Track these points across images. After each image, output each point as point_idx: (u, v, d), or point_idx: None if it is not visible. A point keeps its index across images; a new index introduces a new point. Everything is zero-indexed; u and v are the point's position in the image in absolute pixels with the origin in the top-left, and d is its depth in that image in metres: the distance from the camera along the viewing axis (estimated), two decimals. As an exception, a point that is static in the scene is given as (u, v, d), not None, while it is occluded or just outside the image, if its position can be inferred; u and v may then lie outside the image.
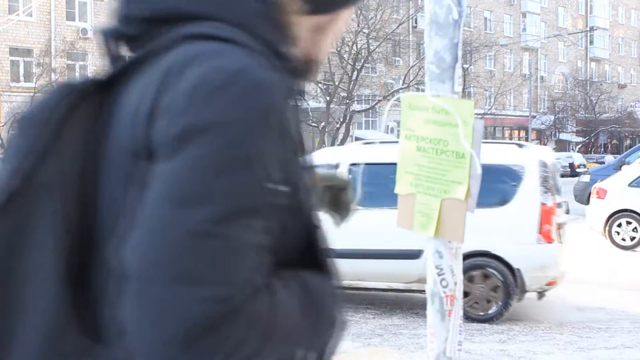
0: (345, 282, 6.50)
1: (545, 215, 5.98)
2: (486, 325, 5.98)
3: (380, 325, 6.05)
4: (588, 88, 50.38)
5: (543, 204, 5.99)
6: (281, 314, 0.78)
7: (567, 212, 6.86)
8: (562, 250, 6.25)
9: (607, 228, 10.75)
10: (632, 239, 10.67)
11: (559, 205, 6.34)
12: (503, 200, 6.05)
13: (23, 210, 0.79)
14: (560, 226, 6.21)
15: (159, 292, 0.70)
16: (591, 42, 56.43)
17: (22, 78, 28.53)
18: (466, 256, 6.06)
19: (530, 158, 6.23)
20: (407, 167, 1.45)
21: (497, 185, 6.14)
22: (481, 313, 6.10)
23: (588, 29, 54.63)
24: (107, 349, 0.78)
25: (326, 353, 0.90)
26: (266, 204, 0.76)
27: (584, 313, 6.55)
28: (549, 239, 5.99)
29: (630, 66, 59.84)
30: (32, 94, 25.96)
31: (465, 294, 5.97)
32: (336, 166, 6.57)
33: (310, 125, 32.14)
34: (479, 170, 1.35)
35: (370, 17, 30.10)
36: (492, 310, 6.07)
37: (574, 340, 5.54)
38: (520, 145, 6.56)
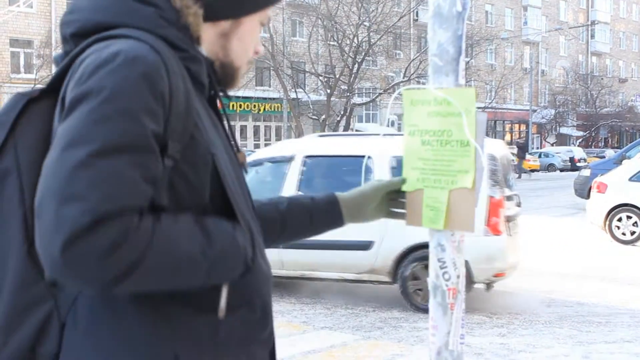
0: (298, 272, 6.70)
1: (493, 208, 6.05)
2: (486, 319, 6.00)
3: (380, 318, 6.05)
4: (589, 82, 50.24)
5: (491, 197, 6.05)
6: (163, 234, 0.96)
7: (519, 205, 6.92)
8: (510, 243, 6.31)
9: (607, 222, 10.75)
10: (632, 233, 10.66)
11: (508, 198, 6.39)
12: None
13: None
14: (509, 219, 6.28)
15: (48, 213, 0.91)
16: (592, 36, 56.25)
17: (22, 69, 28.44)
18: (415, 248, 6.12)
19: None
20: (413, 163, 1.44)
21: None
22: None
23: (589, 22, 54.48)
24: (60, 289, 1.01)
25: (244, 291, 1.08)
26: (140, 145, 0.96)
27: (584, 307, 6.53)
28: (496, 231, 6.07)
29: (632, 60, 59.67)
30: (32, 86, 25.94)
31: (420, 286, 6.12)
32: (291, 158, 6.64)
33: (311, 117, 32.09)
34: (484, 163, 1.35)
35: (371, 10, 29.97)
36: None
37: (574, 334, 5.54)
38: None
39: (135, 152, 0.95)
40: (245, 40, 1.17)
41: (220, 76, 1.17)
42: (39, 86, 1.10)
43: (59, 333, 1.00)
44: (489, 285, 6.43)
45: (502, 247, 6.13)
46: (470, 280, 6.12)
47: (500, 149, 6.78)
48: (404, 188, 1.44)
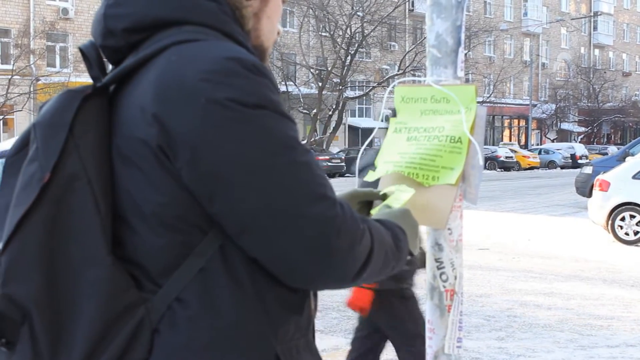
0: None
1: None
2: (484, 322, 5.87)
3: (371, 322, 5.90)
4: (591, 76, 50.31)
5: None
6: (373, 223, 1.09)
7: None
8: None
9: (609, 222, 10.63)
10: (636, 233, 10.57)
11: None
12: None
13: (57, 199, 0.97)
14: None
15: (297, 217, 0.98)
16: (595, 28, 56.15)
17: (-1, 60, 28.12)
18: None
19: None
20: (388, 157, 1.41)
21: None
22: None
23: (592, 14, 54.48)
24: (150, 294, 1.01)
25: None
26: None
27: (585, 310, 6.41)
28: None
29: (635, 53, 59.61)
30: (9, 77, 25.66)
31: None
32: None
33: (302, 112, 31.90)
34: (482, 161, 1.32)
35: (364, -1, 29.80)
36: None
37: (575, 338, 5.43)
38: None
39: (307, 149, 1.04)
40: (273, 19, 1.18)
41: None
42: (89, 84, 1.05)
43: (150, 339, 1.00)
44: None
45: None
46: None
47: None
48: (367, 178, 1.42)
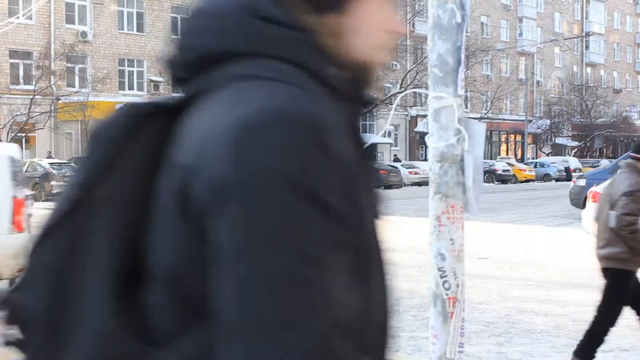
0: None
1: (17, 206, 6.57)
2: (483, 328, 5.91)
3: (377, 327, 6.05)
4: (584, 93, 50.46)
5: (15, 197, 6.56)
6: None
7: (33, 203, 7.46)
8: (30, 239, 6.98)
9: (602, 232, 10.73)
10: (628, 242, 10.62)
11: (27, 197, 6.98)
12: None
13: (83, 220, 0.85)
14: (29, 216, 6.80)
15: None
16: (587, 47, 56.50)
17: (21, 80, 28.41)
18: None
19: (1, 154, 6.84)
20: None
21: None
22: None
23: (584, 34, 54.78)
24: (158, 350, 0.84)
25: None
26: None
27: (581, 316, 6.24)
28: (20, 229, 6.53)
29: (626, 71, 59.95)
30: (31, 97, 25.96)
31: None
32: None
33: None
34: (480, 175, 1.37)
35: (367, 21, 30.07)
36: None
37: (571, 343, 5.25)
38: None
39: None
40: (367, 30, 0.91)
41: (357, 83, 0.94)
42: (154, 100, 0.93)
43: None
44: (12, 281, 6.60)
45: (25, 243, 6.76)
46: None
47: (17, 152, 7.43)
48: None
